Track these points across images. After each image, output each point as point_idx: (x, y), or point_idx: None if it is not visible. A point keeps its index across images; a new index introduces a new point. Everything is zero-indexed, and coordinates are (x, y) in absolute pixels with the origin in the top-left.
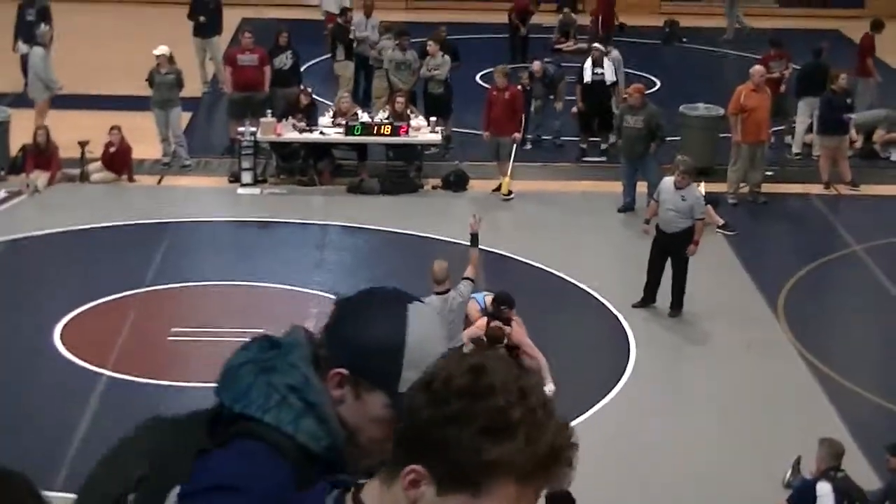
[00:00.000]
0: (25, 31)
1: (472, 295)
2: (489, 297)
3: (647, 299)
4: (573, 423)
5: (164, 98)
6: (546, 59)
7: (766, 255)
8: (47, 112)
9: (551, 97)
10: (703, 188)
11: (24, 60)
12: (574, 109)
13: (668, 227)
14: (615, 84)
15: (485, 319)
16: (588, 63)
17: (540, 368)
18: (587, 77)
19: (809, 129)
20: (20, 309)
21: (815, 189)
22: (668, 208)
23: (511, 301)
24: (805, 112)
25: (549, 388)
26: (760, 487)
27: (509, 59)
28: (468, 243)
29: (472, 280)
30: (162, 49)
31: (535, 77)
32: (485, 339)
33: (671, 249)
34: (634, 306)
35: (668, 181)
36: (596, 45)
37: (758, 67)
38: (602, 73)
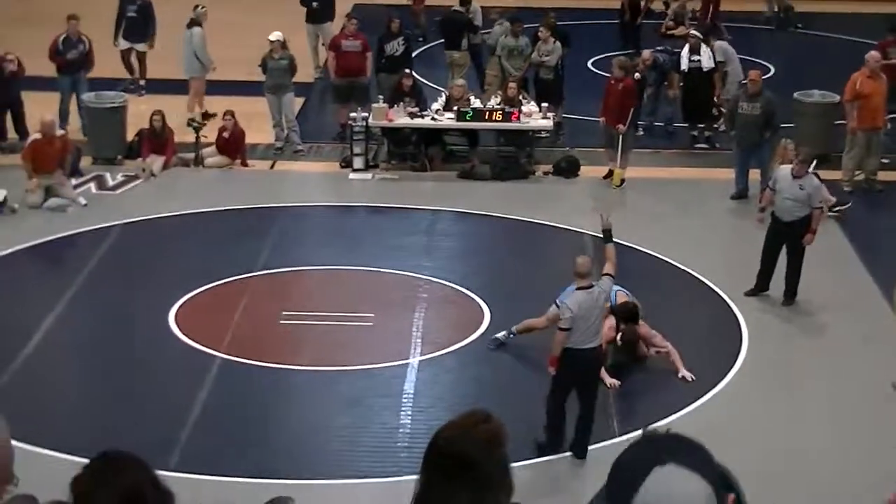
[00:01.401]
0: (128, 27)
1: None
2: (621, 294)
3: (760, 287)
4: (683, 412)
5: (277, 83)
6: (658, 48)
7: (882, 245)
8: (203, 94)
9: (665, 84)
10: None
11: (125, 55)
12: (669, 93)
13: (785, 215)
14: (713, 71)
15: (613, 320)
16: (685, 50)
17: (672, 358)
18: (684, 64)
19: None
20: (136, 291)
21: None
22: (786, 197)
23: (636, 316)
24: None
25: (684, 374)
26: (874, 482)
27: (620, 46)
28: (580, 229)
29: (612, 276)
30: (276, 35)
31: (646, 65)
32: (619, 342)
33: (787, 238)
34: (747, 294)
35: (785, 170)
36: (693, 31)
37: (873, 53)
38: (699, 61)
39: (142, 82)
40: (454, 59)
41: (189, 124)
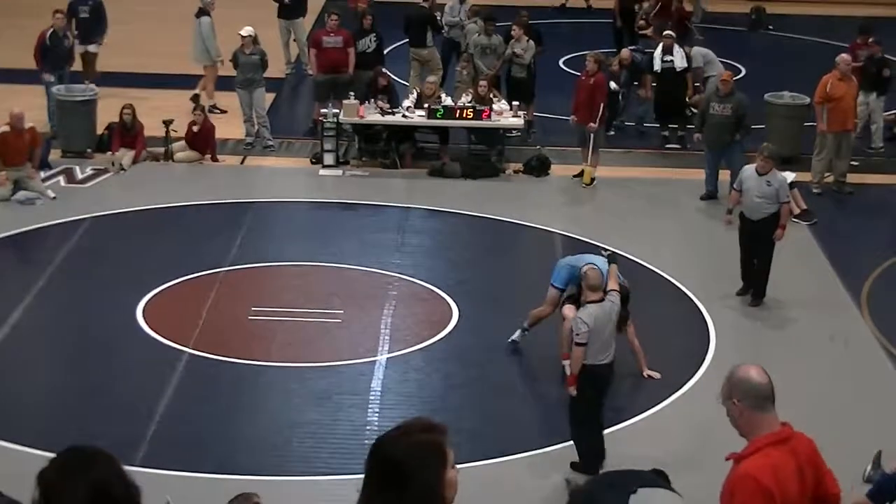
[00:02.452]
0: (81, 28)
1: (594, 262)
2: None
3: (748, 286)
4: (653, 411)
5: (248, 78)
6: (633, 48)
7: (850, 246)
8: (213, 86)
9: (636, 83)
10: (790, 176)
11: (84, 59)
12: (640, 93)
13: (754, 213)
14: (686, 71)
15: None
16: (658, 50)
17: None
18: (657, 65)
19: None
20: (104, 286)
21: None
22: (754, 196)
23: (627, 299)
24: (880, 108)
25: (649, 373)
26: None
27: (613, 47)
28: (549, 228)
29: (617, 291)
30: (247, 30)
31: (623, 65)
32: None
33: (757, 236)
34: (738, 294)
35: (750, 168)
36: (667, 32)
37: (844, 56)
38: (671, 61)
39: (92, 85)
40: (421, 56)
41: (211, 110)
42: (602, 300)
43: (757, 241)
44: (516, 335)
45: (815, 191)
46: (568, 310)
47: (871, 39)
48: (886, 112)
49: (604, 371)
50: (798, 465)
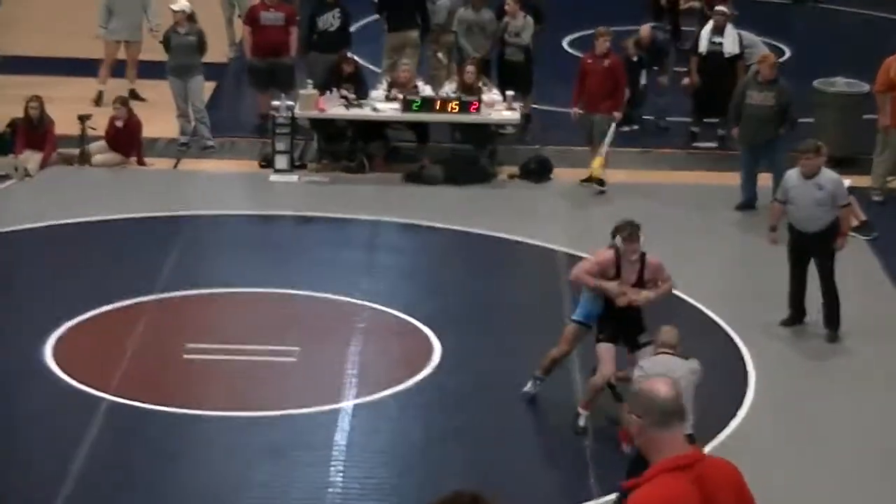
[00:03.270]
0: None
1: None
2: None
3: (797, 313)
4: None
5: (183, 64)
6: (653, 24)
7: None
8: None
9: (655, 68)
10: (845, 182)
11: None
12: (685, 81)
13: (808, 225)
14: (737, 58)
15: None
16: (707, 29)
17: None
18: (702, 46)
19: None
20: (5, 319)
21: None
22: (804, 205)
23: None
24: None
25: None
26: None
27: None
28: (551, 245)
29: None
30: (180, 4)
31: (641, 45)
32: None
33: (814, 251)
34: (783, 324)
35: (793, 174)
36: (720, 7)
37: None
38: (721, 44)
39: None
40: (409, 39)
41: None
42: (674, 356)
43: (816, 259)
44: (529, 387)
45: (875, 198)
46: (605, 351)
47: None
48: None
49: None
50: (705, 496)
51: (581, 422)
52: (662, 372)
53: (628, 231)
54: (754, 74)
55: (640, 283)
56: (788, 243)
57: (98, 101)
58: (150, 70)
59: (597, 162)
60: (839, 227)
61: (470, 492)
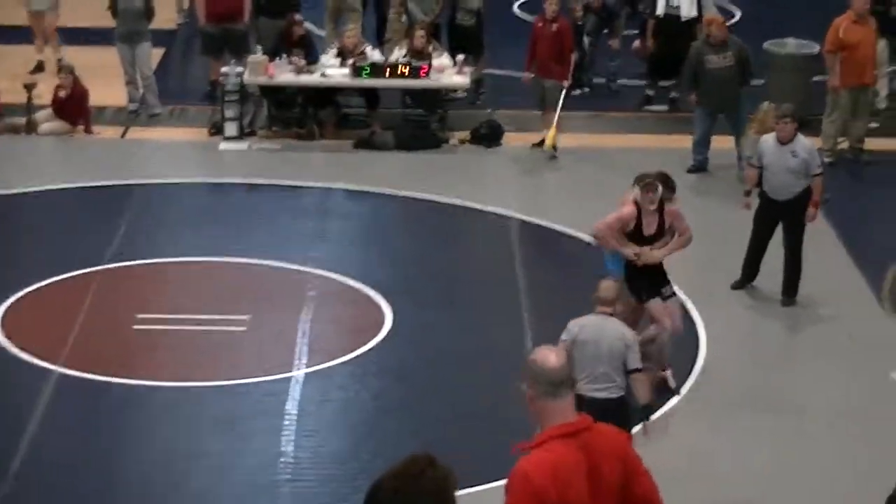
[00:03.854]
0: None
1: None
2: None
3: (749, 277)
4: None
5: (131, 30)
6: None
7: (869, 227)
8: (55, 30)
9: (605, 32)
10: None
11: None
12: (636, 44)
13: (781, 193)
14: (696, 21)
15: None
16: None
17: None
18: (659, 9)
19: None
20: None
21: None
22: (777, 171)
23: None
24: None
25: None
26: (868, 488)
27: None
28: (502, 210)
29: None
30: None
31: (591, 8)
32: None
33: (784, 218)
34: (733, 287)
35: (769, 140)
36: None
37: None
38: (678, 7)
39: None
40: (345, 2)
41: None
42: (610, 315)
43: (785, 226)
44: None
45: (826, 159)
46: (658, 308)
47: None
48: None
49: (598, 406)
50: (592, 463)
51: (671, 382)
52: (592, 337)
53: (645, 181)
54: (706, 38)
55: (660, 233)
56: (757, 209)
57: (37, 69)
58: (98, 36)
59: (551, 133)
60: (811, 197)
61: (425, 455)
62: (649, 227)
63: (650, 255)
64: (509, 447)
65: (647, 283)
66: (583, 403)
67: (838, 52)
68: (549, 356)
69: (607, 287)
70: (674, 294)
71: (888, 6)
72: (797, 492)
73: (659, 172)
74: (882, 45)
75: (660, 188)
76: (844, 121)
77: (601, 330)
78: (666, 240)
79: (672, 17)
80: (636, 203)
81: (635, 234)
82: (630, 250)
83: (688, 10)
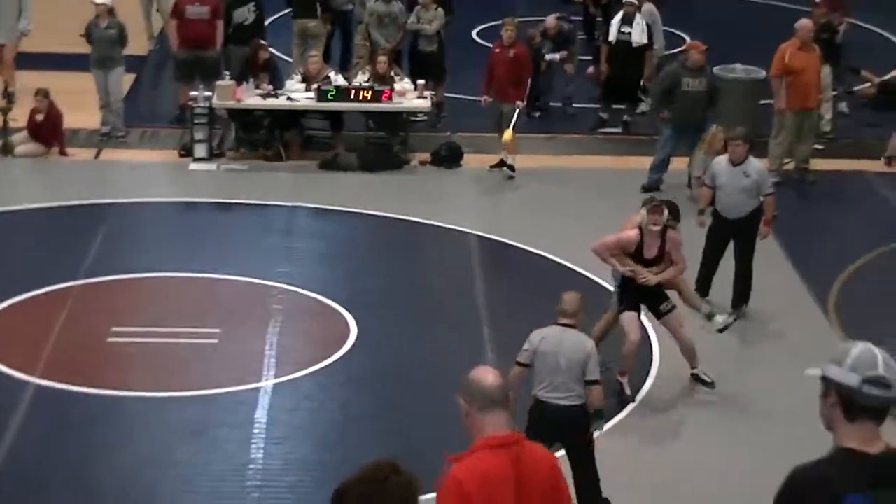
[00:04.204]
0: None
1: None
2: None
3: (703, 292)
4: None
5: (105, 56)
6: (558, 15)
7: (814, 244)
8: (13, 61)
9: (560, 57)
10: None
11: None
12: (590, 70)
13: (732, 212)
14: (646, 48)
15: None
16: (616, 19)
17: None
18: (612, 35)
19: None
20: None
21: (875, 166)
22: (731, 191)
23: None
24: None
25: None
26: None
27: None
28: (461, 228)
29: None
30: None
31: (548, 34)
32: None
33: (737, 237)
34: None
35: (721, 161)
36: None
37: (805, 22)
38: (629, 33)
39: None
40: (308, 28)
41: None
42: (571, 327)
43: (737, 243)
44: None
45: (772, 179)
46: (630, 319)
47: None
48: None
49: (554, 414)
50: (520, 476)
51: (627, 390)
52: (552, 348)
53: (653, 203)
54: (683, 62)
55: (660, 257)
56: (710, 227)
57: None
58: (72, 62)
59: (507, 134)
60: (763, 215)
61: (388, 461)
62: (650, 251)
63: (647, 276)
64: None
65: (642, 298)
66: (547, 411)
67: (783, 76)
68: (487, 375)
69: (570, 299)
70: (674, 308)
71: (832, 34)
72: (751, 488)
73: (668, 199)
74: (826, 71)
75: (665, 212)
76: (790, 142)
77: (561, 342)
78: (663, 266)
79: (624, 44)
80: (640, 228)
81: (636, 257)
82: (627, 268)
83: (638, 37)
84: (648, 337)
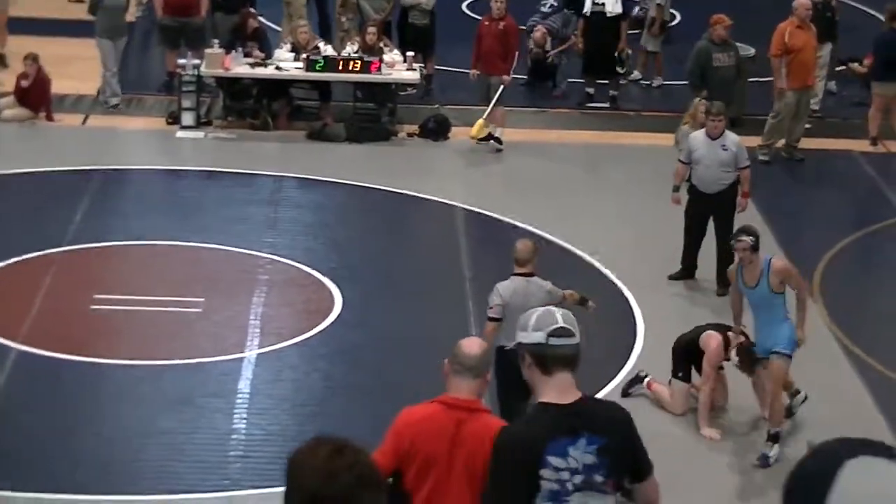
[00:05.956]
0: None
1: None
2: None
3: (688, 270)
4: None
5: (115, 25)
6: (543, 9)
7: (801, 223)
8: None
9: (562, 48)
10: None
11: None
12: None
13: (711, 186)
14: (622, 17)
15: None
16: None
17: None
18: (586, 7)
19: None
20: None
21: (861, 146)
22: (710, 164)
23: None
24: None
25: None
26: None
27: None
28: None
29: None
30: None
31: (541, 45)
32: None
33: (715, 211)
34: (672, 278)
35: (698, 135)
36: None
37: (802, 0)
38: (603, 4)
39: None
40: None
41: None
42: (531, 275)
43: (716, 219)
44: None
45: (761, 157)
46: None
47: None
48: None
49: None
50: (457, 437)
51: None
52: (521, 302)
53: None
54: (710, 37)
55: None
56: (688, 203)
57: None
58: (60, 28)
59: (478, 123)
60: (741, 188)
61: (332, 440)
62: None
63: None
64: None
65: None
66: (504, 357)
67: (784, 55)
68: (472, 346)
69: (523, 248)
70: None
71: (833, 13)
72: (727, 466)
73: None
74: (827, 49)
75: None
76: (788, 121)
77: (527, 294)
78: None
79: (598, 15)
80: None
81: None
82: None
83: (612, 6)
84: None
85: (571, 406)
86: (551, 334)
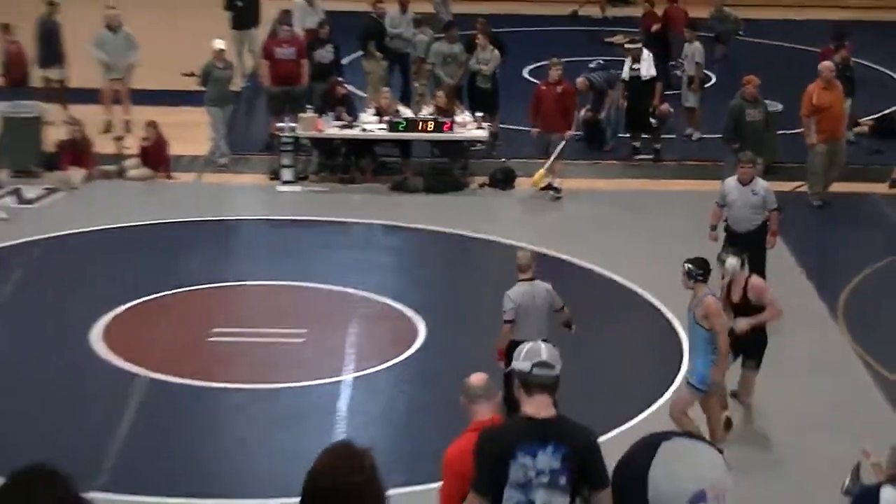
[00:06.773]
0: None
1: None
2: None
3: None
4: (623, 428)
5: (224, 94)
6: (591, 66)
7: (826, 256)
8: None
9: (602, 106)
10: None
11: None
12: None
13: (742, 226)
14: (654, 80)
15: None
16: (628, 60)
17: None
18: (625, 73)
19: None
20: (59, 308)
21: (880, 189)
22: (742, 207)
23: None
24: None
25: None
26: (819, 495)
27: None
28: (515, 242)
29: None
30: (221, 42)
31: (583, 92)
32: None
33: (748, 248)
34: None
35: (731, 181)
36: (631, 40)
37: (827, 63)
38: (638, 69)
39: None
40: (366, 67)
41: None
42: (532, 280)
43: (749, 253)
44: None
45: (815, 203)
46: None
47: (845, 43)
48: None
49: None
50: None
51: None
52: (529, 304)
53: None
54: (742, 95)
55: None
56: (725, 241)
57: (107, 129)
58: (176, 98)
59: (540, 172)
60: (770, 228)
61: (348, 444)
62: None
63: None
64: None
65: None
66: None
67: (812, 115)
68: (479, 377)
69: (523, 256)
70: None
71: (852, 72)
72: (760, 484)
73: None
74: (847, 104)
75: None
76: (824, 170)
77: (533, 297)
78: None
79: (635, 79)
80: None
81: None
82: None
83: (646, 70)
84: (679, 337)
85: (545, 420)
86: (535, 365)
